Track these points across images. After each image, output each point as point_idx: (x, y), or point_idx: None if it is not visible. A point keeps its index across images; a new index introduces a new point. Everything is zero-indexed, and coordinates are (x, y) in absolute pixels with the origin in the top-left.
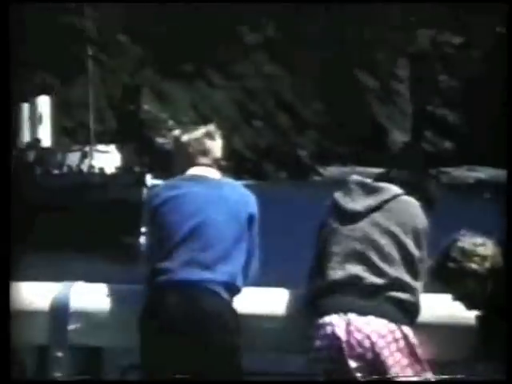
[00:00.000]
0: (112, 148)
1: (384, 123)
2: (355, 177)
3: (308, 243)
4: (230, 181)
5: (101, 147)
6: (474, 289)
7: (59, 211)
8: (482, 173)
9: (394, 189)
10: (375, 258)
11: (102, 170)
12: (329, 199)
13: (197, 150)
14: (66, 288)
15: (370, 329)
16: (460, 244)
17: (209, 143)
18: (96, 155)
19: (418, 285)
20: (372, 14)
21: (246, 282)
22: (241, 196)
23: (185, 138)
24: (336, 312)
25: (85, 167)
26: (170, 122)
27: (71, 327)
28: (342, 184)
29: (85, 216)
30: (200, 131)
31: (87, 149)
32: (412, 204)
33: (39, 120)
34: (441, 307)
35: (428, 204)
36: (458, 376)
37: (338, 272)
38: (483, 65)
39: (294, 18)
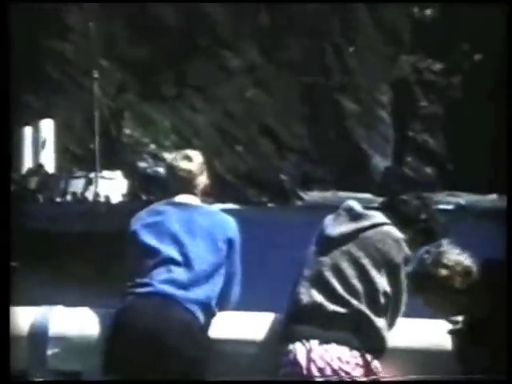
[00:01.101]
0: (118, 174)
1: (366, 148)
2: (348, 201)
3: (289, 268)
4: (208, 207)
5: (106, 173)
6: (446, 296)
7: (62, 240)
8: (463, 198)
9: (378, 218)
10: (339, 287)
11: (107, 197)
12: (321, 222)
13: (181, 176)
14: (44, 312)
15: (330, 356)
16: (434, 252)
17: (192, 170)
18: (101, 182)
19: (380, 321)
20: (354, 41)
21: (227, 305)
22: (219, 221)
23: (170, 163)
24: (299, 340)
25: (90, 195)
26: (152, 146)
27: (50, 352)
28: (325, 209)
29: (89, 245)
30: (184, 158)
31: (92, 175)
32: (393, 236)
33: (42, 145)
34: (414, 332)
35: (429, 238)
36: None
37: (303, 298)
38: (464, 91)
39: (277, 43)
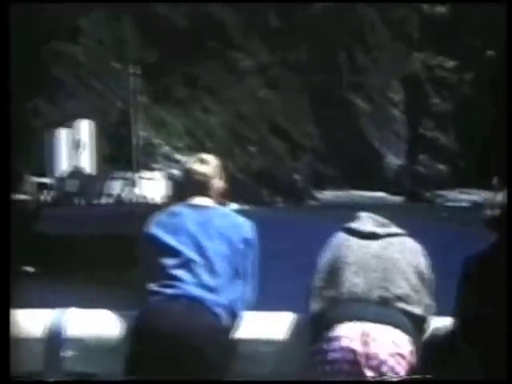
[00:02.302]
0: (157, 175)
1: (378, 147)
2: (364, 212)
3: (304, 267)
4: (224, 208)
5: (145, 174)
6: None
7: (101, 243)
8: (476, 195)
9: (398, 228)
10: (390, 272)
11: (147, 198)
12: (334, 224)
13: (196, 179)
14: (60, 315)
15: (386, 339)
16: None
17: (208, 173)
18: (141, 183)
19: (429, 299)
20: (365, 39)
21: (245, 306)
22: (235, 222)
23: (185, 166)
24: (350, 320)
25: (129, 196)
26: (166, 148)
27: (66, 354)
28: (339, 208)
29: (129, 248)
30: (200, 161)
31: (131, 176)
32: (415, 244)
33: (80, 146)
34: None
35: None
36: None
37: (352, 281)
38: (475, 87)
39: (288, 44)
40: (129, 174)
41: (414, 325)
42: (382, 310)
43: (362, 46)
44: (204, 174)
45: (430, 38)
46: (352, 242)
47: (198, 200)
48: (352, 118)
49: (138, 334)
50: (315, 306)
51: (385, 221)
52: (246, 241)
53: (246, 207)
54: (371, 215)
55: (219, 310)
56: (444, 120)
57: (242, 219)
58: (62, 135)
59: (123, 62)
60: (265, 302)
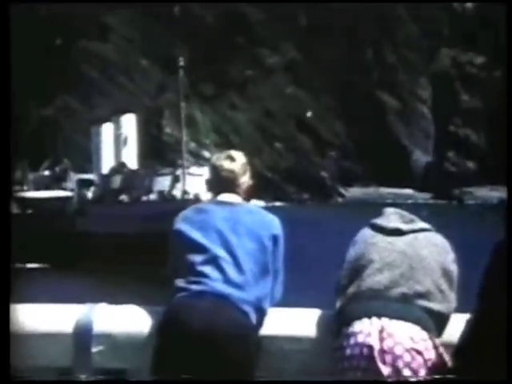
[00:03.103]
0: (206, 171)
1: (406, 144)
2: (390, 208)
3: (332, 264)
4: (251, 205)
5: (194, 170)
6: None
7: (147, 241)
8: (505, 192)
9: (425, 224)
10: (415, 269)
11: (197, 196)
12: (361, 221)
13: (224, 176)
14: (89, 310)
15: (402, 334)
16: None
17: (235, 170)
18: (189, 179)
19: (452, 296)
20: (392, 35)
21: (272, 303)
22: (263, 219)
23: (213, 163)
24: (368, 316)
25: (178, 193)
26: (192, 145)
27: (95, 350)
28: (367, 206)
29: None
30: (227, 158)
31: (179, 172)
32: (443, 240)
33: (124, 142)
34: None
35: None
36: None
37: (374, 278)
38: (505, 84)
39: (315, 40)
40: (176, 170)
41: (435, 322)
42: (402, 306)
43: (391, 43)
44: (232, 171)
45: (459, 35)
46: (377, 238)
47: (226, 197)
48: (380, 115)
49: (164, 330)
50: (339, 302)
51: (411, 216)
52: (273, 238)
53: (274, 204)
54: (398, 211)
55: (246, 307)
56: (473, 117)
57: (269, 216)
58: (105, 130)
59: (156, 59)
60: (291, 298)
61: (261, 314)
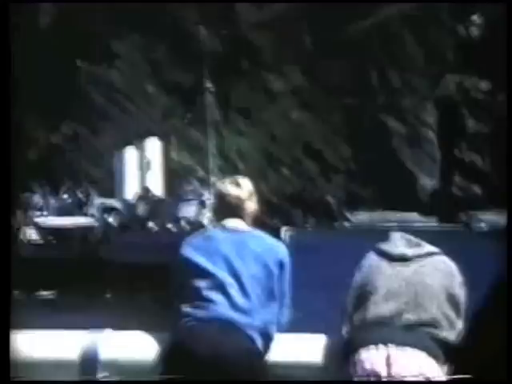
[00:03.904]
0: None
1: (412, 168)
2: (396, 232)
3: (338, 290)
4: (257, 231)
5: None
6: None
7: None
8: (506, 216)
9: (433, 247)
10: (420, 297)
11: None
12: (367, 246)
13: (230, 202)
14: (95, 337)
15: (410, 362)
16: None
17: (241, 196)
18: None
19: (460, 322)
20: (397, 60)
21: (278, 328)
22: (269, 245)
23: (219, 189)
24: (374, 344)
25: (205, 220)
26: (199, 171)
27: (100, 376)
28: (373, 230)
29: None
30: (233, 184)
31: (206, 198)
32: (450, 264)
33: (147, 166)
34: None
35: None
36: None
37: (379, 307)
38: (510, 109)
39: (320, 65)
40: (205, 196)
41: (442, 349)
42: (408, 334)
43: (396, 68)
44: (237, 197)
45: (463, 60)
46: (382, 265)
47: (232, 222)
48: (386, 139)
49: (171, 356)
50: (345, 330)
51: (418, 240)
52: (279, 263)
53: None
54: (404, 235)
55: (252, 333)
56: (479, 142)
57: (276, 241)
58: (129, 155)
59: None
60: (299, 324)
61: (267, 339)
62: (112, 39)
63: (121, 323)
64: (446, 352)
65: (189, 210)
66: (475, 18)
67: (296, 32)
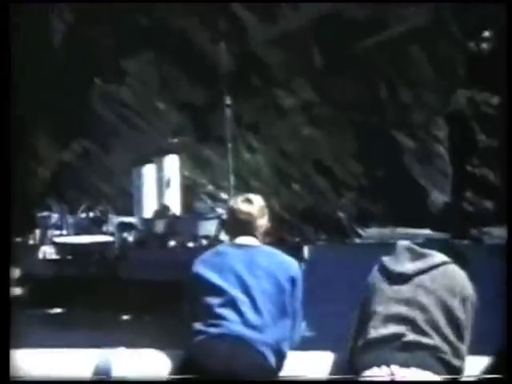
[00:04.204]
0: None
1: (423, 184)
2: (403, 242)
3: (349, 306)
4: (269, 248)
5: None
6: None
7: None
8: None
9: (443, 256)
10: (420, 319)
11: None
12: (376, 262)
13: (242, 219)
14: (108, 355)
15: (415, 378)
16: None
17: (253, 213)
18: None
19: (463, 348)
20: (408, 75)
21: (291, 345)
22: (280, 261)
23: (231, 206)
24: (378, 365)
25: (225, 237)
26: (210, 187)
27: None
28: (384, 246)
29: None
30: (245, 201)
31: (225, 215)
32: (460, 272)
33: (167, 184)
34: None
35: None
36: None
37: (379, 330)
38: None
39: (331, 81)
40: (223, 214)
41: (445, 368)
42: (411, 355)
43: (406, 83)
44: (249, 214)
45: (474, 74)
46: (382, 286)
47: (243, 239)
48: (397, 155)
49: (184, 373)
50: (348, 352)
51: (423, 251)
52: (291, 279)
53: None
54: (409, 246)
55: (265, 350)
56: (490, 156)
57: (287, 258)
58: (147, 171)
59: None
60: (314, 341)
61: (280, 356)
62: (123, 57)
63: (137, 341)
64: (450, 370)
65: (208, 228)
66: (486, 33)
67: (306, 48)
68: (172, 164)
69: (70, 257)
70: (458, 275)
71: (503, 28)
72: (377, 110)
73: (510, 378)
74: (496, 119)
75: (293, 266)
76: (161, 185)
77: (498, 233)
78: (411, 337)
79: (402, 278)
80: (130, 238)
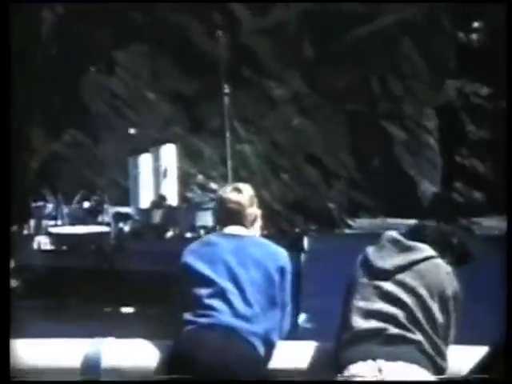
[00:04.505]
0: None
1: (413, 174)
2: (390, 233)
3: (338, 297)
4: (258, 237)
5: None
6: None
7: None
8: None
9: (428, 250)
10: (400, 316)
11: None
12: (361, 253)
13: (231, 208)
14: (97, 344)
15: (401, 373)
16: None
17: (242, 202)
18: None
19: (444, 348)
20: (398, 67)
21: (280, 335)
22: (270, 251)
23: (220, 195)
24: (363, 360)
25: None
26: (200, 177)
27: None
28: (374, 238)
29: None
30: (234, 190)
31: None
32: (443, 268)
33: (164, 174)
34: None
35: (460, 262)
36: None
37: (362, 325)
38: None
39: (321, 71)
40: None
41: (430, 363)
42: (396, 348)
43: (396, 75)
44: (238, 203)
45: (464, 66)
46: (363, 281)
47: (232, 229)
48: (387, 145)
49: (174, 363)
50: (335, 346)
51: (408, 244)
52: (280, 270)
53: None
54: (396, 237)
55: (254, 340)
56: (479, 147)
57: (277, 247)
58: (143, 161)
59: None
60: (299, 331)
61: (269, 346)
62: (114, 47)
63: (135, 333)
64: (435, 363)
65: (206, 219)
66: (476, 24)
67: (297, 39)
68: (169, 154)
69: (65, 247)
70: (441, 271)
71: (493, 19)
72: (367, 101)
73: (510, 378)
74: (486, 110)
75: (282, 255)
76: (157, 175)
77: (487, 223)
78: (395, 331)
79: (384, 275)
80: (126, 229)
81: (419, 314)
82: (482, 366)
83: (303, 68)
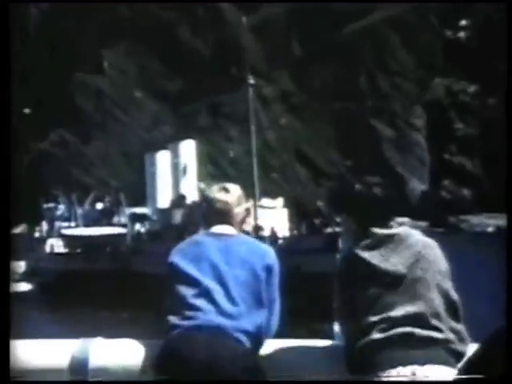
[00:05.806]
0: (279, 203)
1: (402, 172)
2: (375, 229)
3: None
4: (245, 236)
5: (265, 202)
6: None
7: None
8: (502, 219)
9: (414, 232)
10: (426, 314)
11: (272, 230)
12: (350, 254)
13: (218, 208)
14: (85, 344)
15: (435, 377)
16: None
17: (229, 201)
18: (261, 212)
19: (461, 327)
20: (386, 64)
21: (268, 334)
22: (256, 250)
23: (208, 195)
24: (393, 367)
25: (248, 228)
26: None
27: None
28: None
29: None
30: (222, 190)
31: (249, 204)
32: (434, 244)
33: (183, 171)
34: None
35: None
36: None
37: (388, 331)
38: (499, 112)
39: (309, 70)
40: (248, 203)
41: (456, 357)
42: (424, 351)
43: (384, 72)
44: (226, 203)
45: (452, 63)
46: (376, 292)
47: (220, 228)
48: (375, 143)
49: (163, 364)
50: (345, 352)
51: (398, 235)
52: (267, 268)
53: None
54: (382, 233)
55: (241, 336)
56: (468, 145)
57: (263, 246)
58: (161, 158)
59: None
60: (284, 330)
61: (257, 343)
62: (103, 47)
63: (152, 336)
64: (459, 360)
65: None
66: (464, 22)
67: (285, 37)
68: (188, 150)
69: (79, 250)
70: (435, 249)
71: (481, 16)
72: (356, 99)
73: (510, 378)
74: (473, 108)
75: (269, 253)
76: (176, 172)
77: (475, 221)
78: (420, 334)
79: (395, 278)
80: (143, 230)
81: (441, 305)
82: (479, 364)
83: (291, 66)
